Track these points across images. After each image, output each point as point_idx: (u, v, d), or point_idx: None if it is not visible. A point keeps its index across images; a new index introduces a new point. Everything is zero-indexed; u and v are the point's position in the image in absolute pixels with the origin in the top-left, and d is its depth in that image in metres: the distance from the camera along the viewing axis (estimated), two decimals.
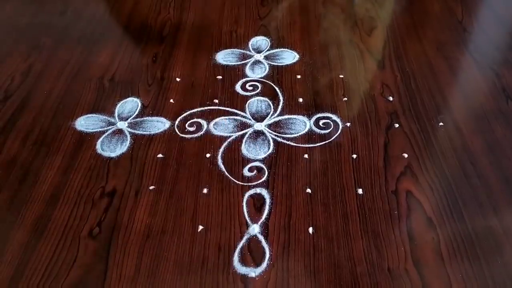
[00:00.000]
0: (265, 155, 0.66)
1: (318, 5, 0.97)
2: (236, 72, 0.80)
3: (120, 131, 0.70)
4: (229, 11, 0.95)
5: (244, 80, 0.78)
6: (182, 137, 0.69)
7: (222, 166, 0.64)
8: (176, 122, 0.71)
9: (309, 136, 0.69)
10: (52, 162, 0.65)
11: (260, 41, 0.87)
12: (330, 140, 0.68)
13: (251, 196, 0.61)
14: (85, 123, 0.71)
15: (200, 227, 0.57)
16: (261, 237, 0.56)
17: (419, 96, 0.75)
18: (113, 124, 0.71)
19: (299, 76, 0.79)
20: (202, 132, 0.69)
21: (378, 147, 0.67)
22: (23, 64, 0.82)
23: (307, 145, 0.67)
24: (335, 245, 0.55)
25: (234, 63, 0.82)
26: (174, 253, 0.55)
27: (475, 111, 0.72)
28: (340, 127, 0.70)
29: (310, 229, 0.57)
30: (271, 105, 0.74)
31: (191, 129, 0.70)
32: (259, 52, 0.85)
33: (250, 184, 0.62)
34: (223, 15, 0.93)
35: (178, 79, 0.79)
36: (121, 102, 0.75)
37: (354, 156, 0.66)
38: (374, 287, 0.51)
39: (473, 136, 0.68)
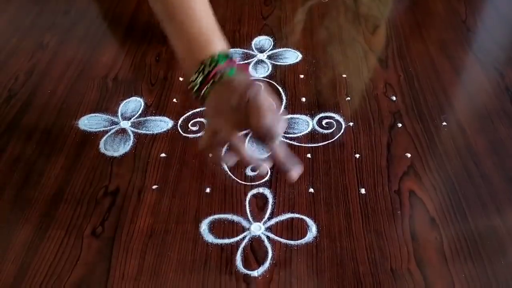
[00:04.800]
0: (268, 155, 0.66)
1: (321, 5, 0.97)
2: None
3: (123, 131, 0.70)
4: (232, 10, 0.95)
5: None
6: (185, 136, 0.69)
7: (225, 166, 0.64)
8: (179, 122, 0.71)
9: (312, 136, 0.69)
10: (56, 161, 0.65)
11: (263, 40, 0.87)
12: (333, 139, 0.68)
13: (253, 195, 0.61)
14: (88, 122, 0.71)
15: (203, 226, 0.57)
16: (263, 237, 0.56)
17: (422, 96, 0.75)
18: (116, 123, 0.71)
19: (302, 76, 0.79)
20: None
21: (381, 146, 0.67)
22: (27, 64, 0.83)
23: (310, 145, 0.67)
24: (338, 244, 0.55)
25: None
26: (177, 252, 0.55)
27: (479, 111, 0.72)
28: (343, 126, 0.70)
29: (313, 229, 0.57)
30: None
31: (194, 128, 0.70)
32: (262, 51, 0.85)
33: (252, 183, 0.62)
34: (226, 14, 0.94)
35: (181, 79, 0.79)
36: (124, 101, 0.75)
37: (357, 155, 0.65)
38: (376, 287, 0.51)
39: (477, 136, 0.68)
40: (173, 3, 0.50)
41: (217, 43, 0.50)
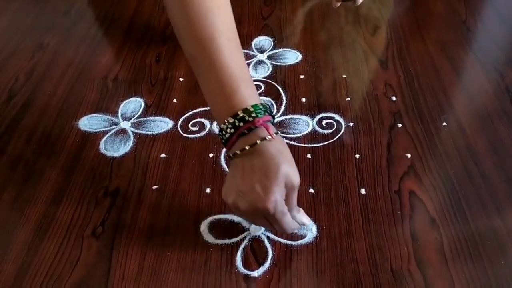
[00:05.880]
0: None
1: (322, 5, 0.97)
2: None
3: (123, 131, 0.70)
4: (232, 10, 0.94)
5: None
6: (185, 136, 0.69)
7: (225, 166, 0.64)
8: (179, 122, 0.71)
9: (312, 136, 0.69)
10: (56, 162, 0.65)
11: (263, 41, 0.87)
12: (333, 140, 0.68)
13: None
14: (88, 122, 0.71)
15: (203, 226, 0.57)
16: (263, 237, 0.56)
17: (423, 96, 0.75)
18: (116, 124, 0.71)
19: (302, 76, 0.79)
20: (205, 132, 0.70)
21: (381, 147, 0.67)
22: (27, 64, 0.83)
23: (310, 145, 0.67)
24: (338, 245, 0.55)
25: None
26: (177, 252, 0.55)
27: (479, 111, 0.72)
28: (343, 127, 0.70)
29: (313, 229, 0.57)
30: (274, 105, 0.74)
31: (194, 128, 0.70)
32: (262, 52, 0.85)
33: None
34: None
35: (181, 79, 0.79)
36: (124, 102, 0.75)
37: (357, 156, 0.65)
38: (377, 287, 0.51)
39: (477, 136, 0.68)
40: (202, 44, 0.49)
41: (250, 90, 0.49)
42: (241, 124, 0.47)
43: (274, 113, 0.68)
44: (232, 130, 0.48)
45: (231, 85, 0.48)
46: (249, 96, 0.49)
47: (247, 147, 0.47)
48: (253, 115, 0.47)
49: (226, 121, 0.48)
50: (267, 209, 0.45)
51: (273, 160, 0.46)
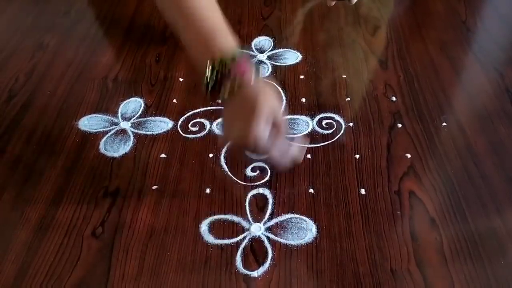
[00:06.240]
0: (268, 155, 0.66)
1: (321, 6, 0.97)
2: None
3: (123, 131, 0.70)
4: (232, 11, 0.95)
5: None
6: (185, 137, 0.69)
7: (224, 166, 0.64)
8: (179, 122, 0.71)
9: (312, 136, 0.69)
10: (56, 162, 0.65)
11: (263, 41, 0.87)
12: (333, 140, 0.68)
13: (253, 196, 0.61)
14: (88, 123, 0.71)
15: (203, 226, 0.57)
16: (263, 237, 0.56)
17: (422, 96, 0.75)
18: (116, 124, 0.71)
19: (302, 76, 0.79)
20: (205, 132, 0.70)
21: (381, 147, 0.67)
22: (27, 64, 0.83)
23: (310, 145, 0.67)
24: (338, 245, 0.55)
25: None
26: (177, 252, 0.55)
27: (479, 111, 0.72)
28: (343, 127, 0.70)
29: (313, 229, 0.57)
30: None
31: (194, 129, 0.70)
32: (262, 52, 0.85)
33: (252, 184, 0.62)
34: (226, 15, 0.93)
35: (181, 79, 0.79)
36: (124, 102, 0.75)
37: (357, 156, 0.65)
38: (376, 287, 0.51)
39: (477, 136, 0.68)
40: (184, 10, 0.53)
41: (227, 38, 0.53)
42: (223, 70, 0.51)
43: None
44: (214, 78, 0.51)
45: (210, 35, 0.52)
46: (228, 43, 0.53)
47: (230, 92, 0.51)
48: (233, 60, 0.51)
49: (207, 70, 0.51)
50: (250, 145, 0.50)
51: (255, 98, 0.50)
